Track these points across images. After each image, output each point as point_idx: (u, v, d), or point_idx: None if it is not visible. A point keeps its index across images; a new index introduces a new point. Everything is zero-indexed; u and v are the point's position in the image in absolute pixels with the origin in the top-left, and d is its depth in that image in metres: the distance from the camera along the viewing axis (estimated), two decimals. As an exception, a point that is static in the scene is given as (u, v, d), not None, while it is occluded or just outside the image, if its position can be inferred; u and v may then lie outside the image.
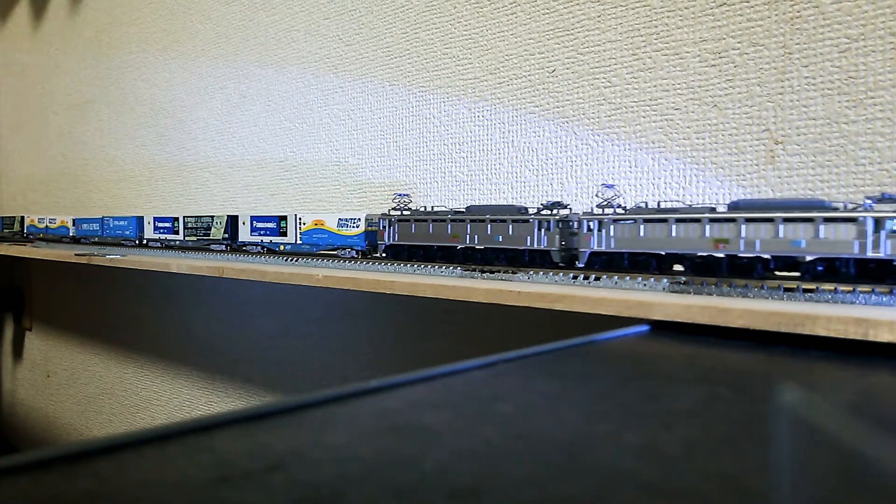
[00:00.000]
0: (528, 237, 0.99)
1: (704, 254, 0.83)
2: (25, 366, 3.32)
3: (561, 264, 0.97)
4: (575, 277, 0.91)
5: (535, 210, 1.02)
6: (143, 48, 2.43)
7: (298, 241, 1.40)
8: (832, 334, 0.57)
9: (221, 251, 1.59)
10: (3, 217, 2.75)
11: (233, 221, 1.59)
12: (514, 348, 0.54)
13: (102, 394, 2.71)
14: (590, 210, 0.97)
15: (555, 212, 1.00)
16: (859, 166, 0.91)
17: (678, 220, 0.84)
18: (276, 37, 1.86)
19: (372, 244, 1.25)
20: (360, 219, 1.26)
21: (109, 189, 2.64)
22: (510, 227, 1.02)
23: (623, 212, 0.91)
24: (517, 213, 1.03)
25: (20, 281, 3.26)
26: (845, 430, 0.38)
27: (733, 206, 0.82)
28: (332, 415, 0.39)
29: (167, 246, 1.83)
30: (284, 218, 1.43)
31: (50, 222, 2.39)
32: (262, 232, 1.49)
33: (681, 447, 0.34)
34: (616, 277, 0.86)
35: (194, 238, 1.69)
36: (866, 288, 0.69)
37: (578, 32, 1.20)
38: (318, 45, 1.73)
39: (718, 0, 1.04)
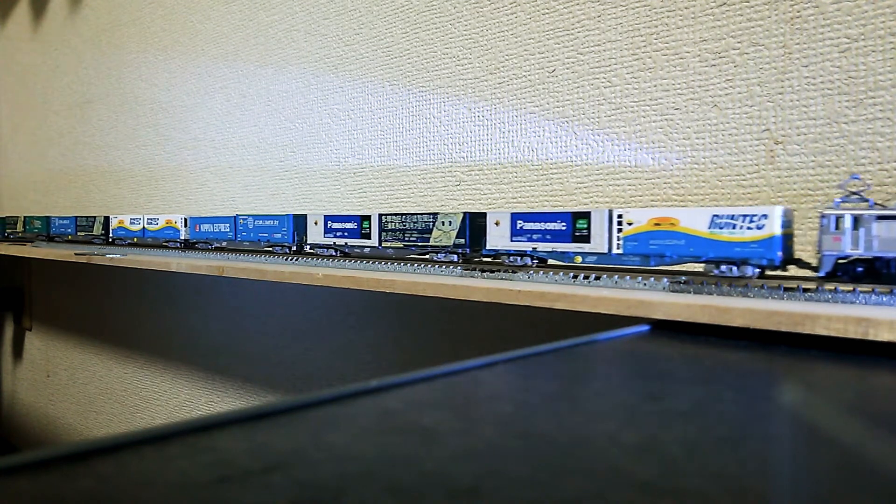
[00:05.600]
0: None
1: None
2: (25, 366, 3.32)
3: None
4: (575, 277, 0.91)
5: None
6: (143, 48, 2.43)
7: (616, 251, 0.89)
8: (832, 334, 0.57)
9: (452, 263, 1.08)
10: (77, 217, 2.19)
11: (472, 221, 1.08)
12: (513, 348, 0.54)
13: (102, 394, 2.71)
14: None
15: None
16: (859, 166, 0.91)
17: None
18: (276, 37, 1.86)
19: (787, 256, 0.77)
20: (765, 215, 0.76)
21: (109, 189, 2.64)
22: None
23: None
24: None
25: (20, 281, 3.26)
26: (845, 430, 0.38)
27: None
28: (332, 415, 0.39)
29: (345, 254, 1.29)
30: (585, 216, 0.92)
31: (149, 223, 1.84)
32: (534, 236, 0.99)
33: (681, 447, 0.34)
34: (616, 277, 0.86)
35: (399, 245, 1.19)
36: (866, 287, 0.69)
37: (578, 32, 1.20)
38: (318, 45, 1.73)
39: (718, 0, 1.03)
